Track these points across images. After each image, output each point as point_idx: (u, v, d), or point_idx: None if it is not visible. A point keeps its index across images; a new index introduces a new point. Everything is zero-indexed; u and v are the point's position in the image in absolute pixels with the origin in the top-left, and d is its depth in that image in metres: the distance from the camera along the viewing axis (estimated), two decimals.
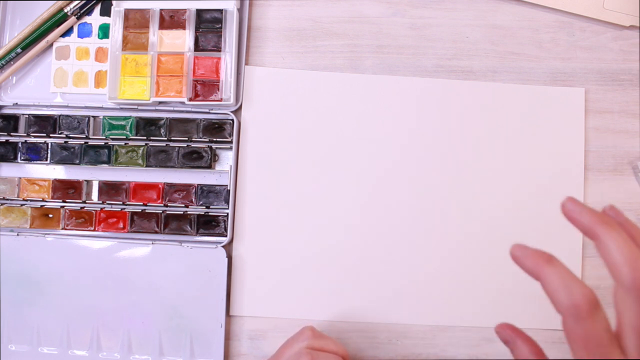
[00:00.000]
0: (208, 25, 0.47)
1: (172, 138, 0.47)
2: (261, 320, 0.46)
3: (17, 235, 0.47)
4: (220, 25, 0.47)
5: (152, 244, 0.46)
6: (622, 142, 0.48)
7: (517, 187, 0.47)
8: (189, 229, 0.46)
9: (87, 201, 0.47)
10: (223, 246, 0.46)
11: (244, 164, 0.47)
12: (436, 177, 0.47)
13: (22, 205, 0.48)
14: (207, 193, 0.47)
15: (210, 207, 0.47)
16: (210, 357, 0.45)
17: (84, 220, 0.47)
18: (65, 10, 0.48)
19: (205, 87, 0.47)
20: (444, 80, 0.48)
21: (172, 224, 0.46)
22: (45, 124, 0.47)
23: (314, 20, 0.49)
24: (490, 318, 0.46)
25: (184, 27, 0.47)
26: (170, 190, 0.47)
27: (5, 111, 0.48)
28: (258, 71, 0.48)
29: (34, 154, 0.48)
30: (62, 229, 0.47)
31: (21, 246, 0.46)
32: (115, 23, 0.47)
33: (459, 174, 0.47)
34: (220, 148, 0.48)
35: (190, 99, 0.46)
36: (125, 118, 0.47)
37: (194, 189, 0.47)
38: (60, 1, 0.48)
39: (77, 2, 0.48)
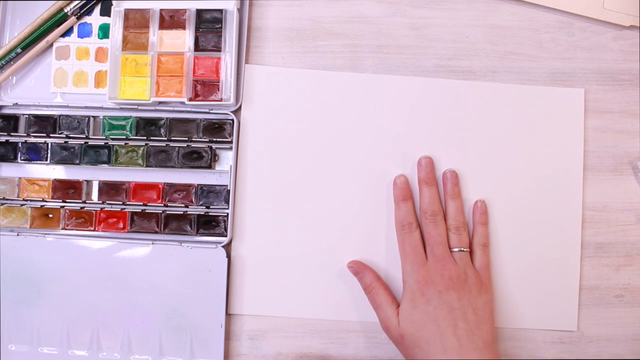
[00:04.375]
0: (208, 25, 0.47)
1: (172, 138, 0.47)
2: (261, 320, 0.46)
3: (17, 235, 0.47)
4: (220, 25, 0.47)
5: (152, 244, 0.46)
6: (622, 142, 0.48)
7: (517, 187, 0.47)
8: (189, 229, 0.46)
9: (87, 201, 0.47)
10: (223, 246, 0.46)
11: (244, 164, 0.47)
12: (436, 177, 0.47)
13: (22, 205, 0.48)
14: (207, 193, 0.47)
15: (210, 207, 0.47)
16: (210, 357, 0.45)
17: (84, 220, 0.47)
18: (65, 10, 0.48)
19: (205, 87, 0.47)
20: (443, 80, 0.48)
21: (172, 224, 0.46)
22: (45, 124, 0.47)
23: (314, 20, 0.49)
24: None
25: (184, 27, 0.47)
26: (170, 190, 0.47)
27: (5, 111, 0.48)
28: (258, 70, 0.48)
29: (34, 154, 0.48)
30: (62, 229, 0.47)
31: (21, 246, 0.46)
32: (115, 23, 0.47)
33: (458, 173, 0.47)
34: (220, 148, 0.48)
35: (190, 99, 0.46)
36: (125, 118, 0.47)
37: (194, 189, 0.47)
38: (60, 1, 0.48)
39: (77, 2, 0.48)
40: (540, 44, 0.48)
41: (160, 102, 0.47)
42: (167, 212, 0.47)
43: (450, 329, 0.39)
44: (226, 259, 0.45)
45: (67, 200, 0.47)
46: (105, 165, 0.47)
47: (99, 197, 0.47)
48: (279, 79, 0.48)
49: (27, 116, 0.48)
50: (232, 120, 0.47)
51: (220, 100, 0.46)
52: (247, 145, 0.47)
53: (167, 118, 0.47)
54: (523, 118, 0.47)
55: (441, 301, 0.40)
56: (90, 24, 0.49)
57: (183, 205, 0.47)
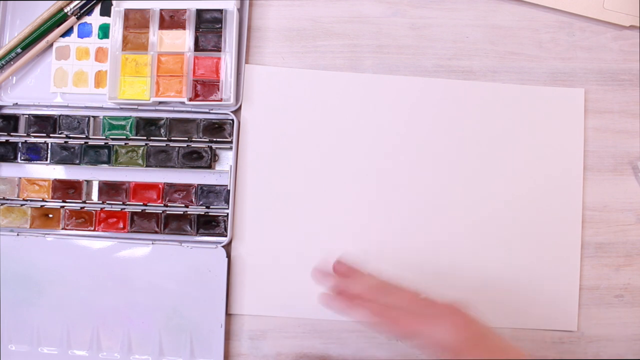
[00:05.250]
0: (208, 25, 0.47)
1: (172, 138, 0.47)
2: (261, 320, 0.46)
3: (17, 235, 0.47)
4: (220, 25, 0.47)
5: (152, 244, 0.46)
6: (622, 142, 0.48)
7: (517, 188, 0.47)
8: (189, 229, 0.46)
9: (87, 201, 0.47)
10: (223, 246, 0.46)
11: (244, 164, 0.47)
12: (436, 177, 0.47)
13: (22, 205, 0.48)
14: (207, 193, 0.47)
15: (210, 207, 0.47)
16: (210, 357, 0.45)
17: (84, 220, 0.47)
18: (65, 10, 0.48)
19: (205, 87, 0.47)
20: (443, 80, 0.48)
21: (172, 224, 0.46)
22: (45, 124, 0.47)
23: (314, 20, 0.49)
24: (490, 318, 0.46)
25: (184, 27, 0.47)
26: (170, 190, 0.47)
27: (5, 111, 0.48)
28: (258, 70, 0.48)
29: (34, 154, 0.48)
30: (62, 229, 0.47)
31: (21, 246, 0.46)
32: (115, 23, 0.47)
33: (458, 174, 0.47)
34: (220, 148, 0.48)
35: (190, 99, 0.46)
36: (125, 118, 0.47)
37: (194, 189, 0.47)
38: (60, 1, 0.48)
39: (77, 2, 0.48)
40: (540, 44, 0.48)
41: (160, 102, 0.47)
42: (167, 212, 0.47)
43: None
44: (226, 259, 0.45)
45: (67, 200, 0.47)
46: (105, 165, 0.47)
47: (99, 197, 0.47)
48: (279, 79, 0.48)
49: (27, 116, 0.48)
50: (232, 120, 0.47)
51: (220, 100, 0.46)
52: (247, 145, 0.47)
53: (167, 118, 0.47)
54: (523, 118, 0.47)
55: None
56: (90, 24, 0.49)
57: (183, 205, 0.47)
